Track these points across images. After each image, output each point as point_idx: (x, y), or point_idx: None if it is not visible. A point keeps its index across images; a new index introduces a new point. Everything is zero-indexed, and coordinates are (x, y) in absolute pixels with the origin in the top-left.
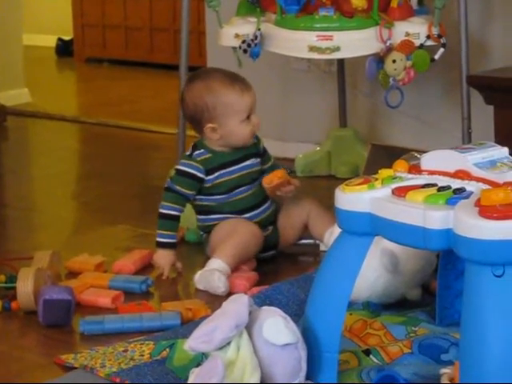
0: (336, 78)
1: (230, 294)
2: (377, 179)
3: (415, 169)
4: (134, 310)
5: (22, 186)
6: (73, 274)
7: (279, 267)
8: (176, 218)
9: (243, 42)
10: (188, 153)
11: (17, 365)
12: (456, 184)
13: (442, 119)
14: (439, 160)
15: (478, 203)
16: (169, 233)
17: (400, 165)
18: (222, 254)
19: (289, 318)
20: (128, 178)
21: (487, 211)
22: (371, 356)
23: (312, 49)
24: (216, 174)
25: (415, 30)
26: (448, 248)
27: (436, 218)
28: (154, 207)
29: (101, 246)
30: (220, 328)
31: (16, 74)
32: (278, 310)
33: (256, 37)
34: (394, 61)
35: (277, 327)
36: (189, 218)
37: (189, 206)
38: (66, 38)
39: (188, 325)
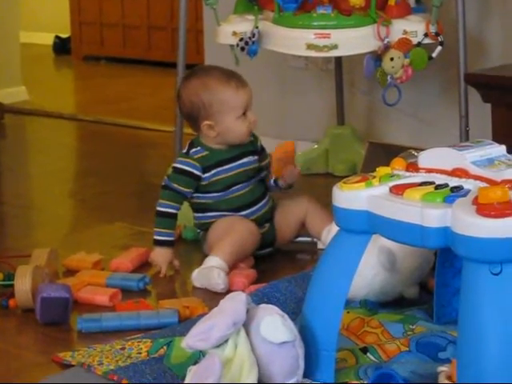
0: (334, 75)
1: (228, 291)
2: (374, 177)
3: (413, 167)
4: (132, 307)
5: (19, 183)
6: (70, 272)
7: (277, 265)
8: (173, 216)
9: (241, 39)
10: (185, 151)
11: (14, 363)
12: (453, 182)
13: (439, 117)
14: (437, 158)
15: (475, 201)
16: (166, 231)
17: (398, 163)
18: (220, 252)
19: (286, 316)
20: (125, 176)
21: (485, 209)
22: (368, 354)
23: (310, 47)
24: (213, 172)
25: (413, 27)
26: (445, 246)
27: (433, 216)
28: (151, 205)
29: (98, 243)
30: (217, 326)
31: (13, 71)
32: (276, 308)
33: (254, 35)
34: (391, 59)
35: (274, 325)
36: (186, 215)
37: (186, 204)
38: (64, 35)
39: (185, 323)
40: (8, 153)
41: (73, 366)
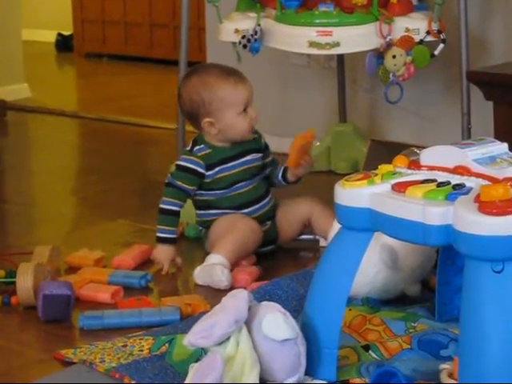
0: (336, 73)
1: (232, 288)
2: (376, 175)
3: (415, 164)
4: (134, 305)
5: (21, 181)
6: (72, 269)
7: (279, 262)
8: (176, 214)
9: (243, 37)
10: (188, 148)
11: (16, 360)
12: (455, 180)
13: (441, 115)
14: (439, 156)
15: (477, 199)
16: (169, 228)
17: (400, 160)
18: (222, 249)
19: (288, 314)
20: (127, 174)
21: (487, 207)
22: (370, 352)
23: (312, 44)
24: (216, 170)
25: (415, 25)
26: (447, 244)
27: (435, 214)
28: (153, 202)
29: (100, 241)
30: (219, 323)
31: (16, 69)
32: (278, 306)
33: (256, 32)
34: (393, 56)
35: (276, 323)
36: (189, 213)
37: (189, 202)
38: (66, 33)
39: (187, 320)
40: (10, 150)
41: (75, 363)
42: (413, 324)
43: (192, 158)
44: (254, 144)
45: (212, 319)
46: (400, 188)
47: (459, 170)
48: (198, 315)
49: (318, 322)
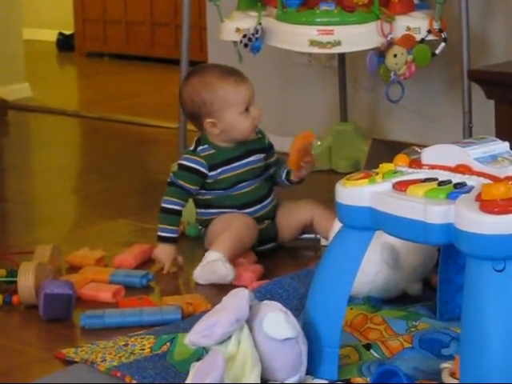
0: (337, 72)
1: (235, 286)
2: (377, 173)
3: (416, 163)
4: (135, 304)
5: (22, 180)
6: (73, 269)
7: (280, 261)
8: (178, 213)
9: (244, 36)
10: (191, 148)
11: (18, 359)
12: (457, 178)
13: (442, 114)
14: (440, 154)
15: (478, 198)
16: (170, 227)
17: (401, 159)
18: (219, 246)
19: (289, 313)
20: (129, 173)
21: (488, 206)
22: (372, 350)
23: (313, 43)
24: (219, 170)
25: (416, 24)
26: (449, 242)
27: (437, 213)
28: (154, 202)
29: (101, 240)
30: (220, 322)
31: (17, 68)
32: (279, 305)
33: (257, 31)
34: (394, 55)
35: (277, 322)
36: (189, 212)
37: (190, 201)
38: (67, 32)
39: (188, 319)
40: (11, 149)
41: (76, 362)
42: (414, 323)
43: (195, 157)
44: (258, 144)
45: (213, 318)
46: (401, 187)
47: (460, 169)
48: (199, 314)
49: (320, 321)
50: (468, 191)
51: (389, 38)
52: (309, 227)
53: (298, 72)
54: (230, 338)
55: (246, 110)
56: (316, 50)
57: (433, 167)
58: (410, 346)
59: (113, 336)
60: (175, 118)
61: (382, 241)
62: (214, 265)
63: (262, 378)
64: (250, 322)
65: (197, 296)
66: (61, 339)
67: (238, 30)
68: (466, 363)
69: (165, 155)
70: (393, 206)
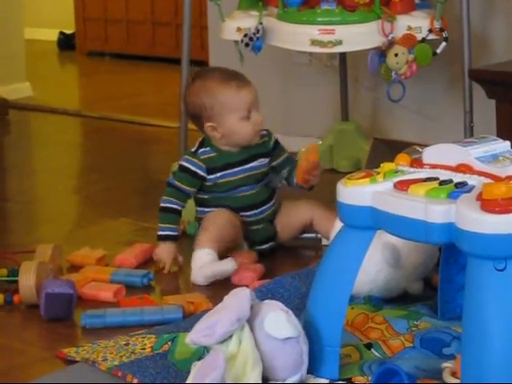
0: (338, 71)
1: (236, 285)
2: (379, 173)
3: (417, 163)
4: (136, 303)
5: (23, 179)
6: (74, 268)
7: (281, 261)
8: (176, 212)
9: (245, 35)
10: (193, 149)
11: (19, 358)
12: (458, 178)
13: (444, 113)
14: (441, 154)
15: (479, 197)
16: (169, 225)
17: (402, 158)
18: (205, 243)
19: (290, 312)
20: (129, 172)
21: (489, 205)
22: (373, 350)
23: (314, 42)
24: (219, 174)
25: (417, 23)
26: (450, 242)
27: (438, 212)
28: (155, 201)
29: (102, 239)
30: (221, 322)
31: (18, 67)
32: (280, 304)
33: (258, 30)
34: (396, 54)
35: (278, 321)
36: (190, 210)
37: (190, 199)
38: (68, 31)
39: (189, 318)
40: (12, 149)
41: (77, 361)
42: (415, 322)
43: (194, 159)
44: (263, 148)
45: (214, 317)
46: (402, 186)
47: (461, 168)
48: (200, 313)
49: (321, 321)
50: (469, 191)
51: (390, 38)
52: (308, 227)
53: (299, 71)
54: (231, 337)
55: (248, 115)
56: (317, 49)
57: (434, 166)
58: (411, 345)
59: (114, 335)
60: (176, 118)
61: (383, 240)
62: (211, 265)
63: (263, 378)
64: (251, 321)
65: (198, 295)
66: (62, 338)
67: (239, 29)
68: (467, 362)
69: (166, 155)
70: (394, 205)
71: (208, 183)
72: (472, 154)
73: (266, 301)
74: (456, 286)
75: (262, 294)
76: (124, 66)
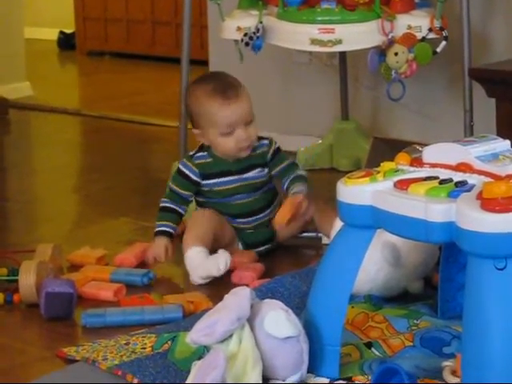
0: (338, 70)
1: (237, 285)
2: (379, 172)
3: (417, 162)
4: (136, 303)
5: (23, 179)
6: (74, 267)
7: (281, 260)
8: (173, 211)
9: (245, 34)
10: (191, 153)
11: (19, 357)
12: (458, 177)
13: (443, 112)
14: (441, 153)
15: (479, 196)
16: (165, 223)
17: (402, 158)
18: (191, 242)
19: (290, 311)
20: (129, 172)
21: (489, 204)
22: (373, 349)
23: (314, 42)
24: (214, 181)
25: (417, 22)
26: (450, 241)
27: (438, 211)
28: (155, 200)
29: (102, 239)
30: (221, 321)
31: (18, 67)
32: (280, 303)
33: (258, 30)
34: (395, 53)
35: (278, 320)
36: (191, 211)
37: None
38: (68, 31)
39: (190, 318)
40: (12, 148)
41: (77, 361)
42: (415, 321)
43: (188, 164)
44: (260, 159)
45: (214, 317)
46: (402, 185)
47: (462, 168)
48: (200, 313)
49: (321, 320)
50: (469, 190)
51: (390, 37)
52: (310, 223)
53: (299, 70)
54: (231, 336)
55: (230, 131)
56: (317, 48)
57: (434, 166)
58: (412, 344)
59: (114, 335)
60: (176, 117)
61: (383, 239)
62: (208, 263)
63: (263, 377)
64: (251, 320)
65: (198, 294)
66: (62, 338)
67: (238, 28)
68: (468, 361)
69: (165, 154)
70: (394, 204)
71: (204, 188)
72: (472, 152)
73: (266, 300)
74: (456, 285)
75: (262, 293)
76: (124, 65)
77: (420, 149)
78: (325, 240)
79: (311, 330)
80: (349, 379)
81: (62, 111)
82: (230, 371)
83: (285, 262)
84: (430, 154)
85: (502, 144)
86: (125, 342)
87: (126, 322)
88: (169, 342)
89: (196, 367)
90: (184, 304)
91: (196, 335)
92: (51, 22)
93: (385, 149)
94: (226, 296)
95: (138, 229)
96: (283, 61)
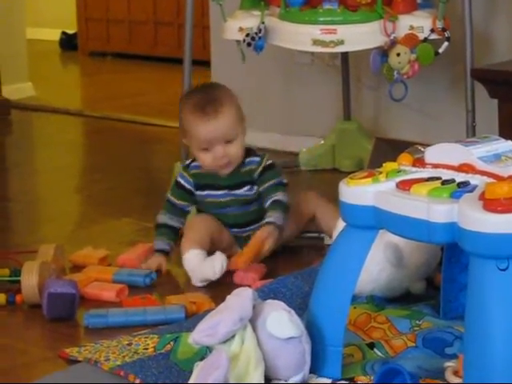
0: (340, 71)
1: (239, 285)
2: (381, 173)
3: (419, 162)
4: (138, 303)
5: (26, 179)
6: (77, 268)
7: (283, 261)
8: (168, 227)
9: (247, 35)
10: (187, 162)
11: (21, 358)
12: (460, 177)
13: (446, 112)
14: (443, 153)
15: (482, 197)
16: (161, 241)
17: (404, 158)
18: (188, 245)
19: (293, 312)
20: (132, 172)
21: (491, 205)
22: (375, 349)
23: (316, 42)
24: (205, 193)
25: (419, 23)
26: (452, 241)
27: (440, 212)
28: (157, 201)
29: (104, 239)
30: (224, 321)
31: (20, 67)
32: (282, 304)
33: (260, 30)
34: (398, 54)
35: (281, 321)
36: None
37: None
38: (70, 31)
39: (192, 318)
40: (14, 149)
41: (79, 361)
42: (418, 322)
43: (184, 173)
44: (248, 177)
45: (217, 317)
46: (405, 186)
47: (464, 168)
48: (202, 313)
49: (323, 320)
50: (471, 190)
51: (392, 37)
52: (312, 220)
53: (301, 71)
54: (233, 337)
55: (207, 147)
56: (319, 49)
57: (436, 166)
58: (414, 344)
59: (116, 335)
60: (178, 117)
61: (385, 240)
62: (200, 266)
63: (265, 377)
64: (253, 321)
65: (200, 295)
66: (64, 338)
67: (241, 29)
68: (470, 362)
69: (168, 154)
70: (396, 205)
71: (197, 198)
72: (474, 153)
73: (269, 300)
74: (458, 286)
75: (264, 294)
76: (126, 65)
77: (422, 149)
78: (327, 240)
79: (313, 331)
80: (351, 380)
81: (64, 112)
82: (232, 371)
83: (287, 262)
84: (432, 154)
85: (504, 145)
86: (127, 342)
87: (129, 323)
88: (171, 343)
89: (198, 368)
90: (186, 305)
91: (198, 336)
92: (53, 23)
93: (387, 149)
94: (229, 297)
95: (140, 229)
96: (285, 61)
